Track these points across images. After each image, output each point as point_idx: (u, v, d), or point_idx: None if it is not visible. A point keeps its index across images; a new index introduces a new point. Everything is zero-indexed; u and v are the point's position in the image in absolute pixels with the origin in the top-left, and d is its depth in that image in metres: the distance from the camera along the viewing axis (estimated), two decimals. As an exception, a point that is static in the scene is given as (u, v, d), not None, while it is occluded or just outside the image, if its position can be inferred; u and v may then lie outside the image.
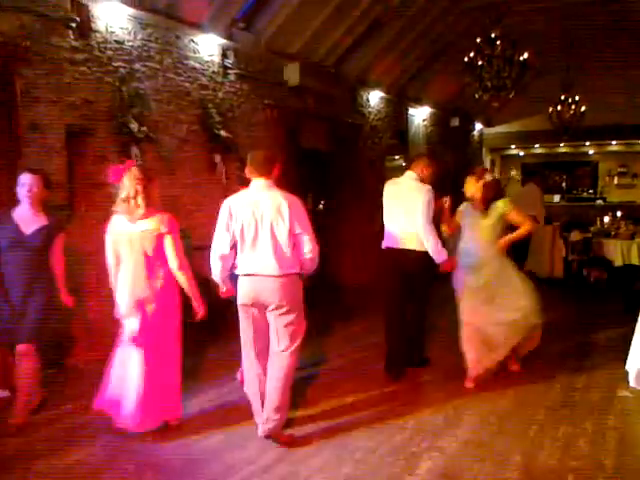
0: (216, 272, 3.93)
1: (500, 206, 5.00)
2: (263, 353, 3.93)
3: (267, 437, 3.89)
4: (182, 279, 4.02)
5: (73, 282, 5.52)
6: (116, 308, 4.07)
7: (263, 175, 3.85)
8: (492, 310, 4.86)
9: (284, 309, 3.80)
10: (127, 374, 3.98)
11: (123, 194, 3.91)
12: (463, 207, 5.27)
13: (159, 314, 3.98)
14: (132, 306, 3.96)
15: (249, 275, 3.82)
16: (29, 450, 3.81)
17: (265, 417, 3.87)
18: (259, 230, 3.78)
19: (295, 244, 3.81)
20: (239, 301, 3.91)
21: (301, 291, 3.93)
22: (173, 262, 3.97)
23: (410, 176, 5.22)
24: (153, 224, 3.93)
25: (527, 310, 4.91)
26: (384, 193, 5.30)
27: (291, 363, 3.89)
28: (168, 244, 3.95)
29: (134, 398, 3.92)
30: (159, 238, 3.93)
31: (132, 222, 3.93)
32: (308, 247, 3.81)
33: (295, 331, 3.88)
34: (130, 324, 3.99)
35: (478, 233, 5.03)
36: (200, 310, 4.11)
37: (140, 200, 3.90)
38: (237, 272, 3.90)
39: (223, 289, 4.03)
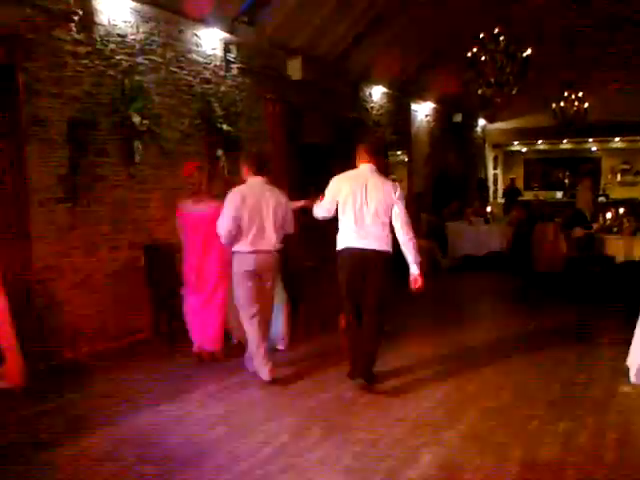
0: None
1: None
2: (257, 307, 4.84)
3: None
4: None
5: (79, 277, 5.57)
6: (186, 270, 5.37)
7: (261, 174, 4.88)
8: None
9: (276, 274, 5.02)
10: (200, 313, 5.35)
11: (194, 183, 5.30)
12: None
13: (215, 271, 5.30)
14: (197, 267, 5.28)
15: (255, 252, 4.77)
16: (31, 441, 3.83)
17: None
18: (264, 217, 4.77)
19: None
20: (243, 269, 4.78)
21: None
22: None
23: (370, 169, 4.74)
24: (214, 205, 5.08)
25: None
26: (338, 186, 4.74)
27: (287, 305, 5.47)
28: None
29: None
30: (216, 215, 4.95)
31: (197, 205, 5.21)
32: (291, 227, 5.01)
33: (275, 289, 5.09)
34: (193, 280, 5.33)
35: None
36: None
37: (204, 188, 5.31)
38: (243, 249, 4.78)
39: None
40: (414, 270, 4.66)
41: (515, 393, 4.68)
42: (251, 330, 4.84)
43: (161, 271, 6.03)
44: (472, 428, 4.03)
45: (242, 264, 4.80)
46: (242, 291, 4.83)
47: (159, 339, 6.10)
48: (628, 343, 4.87)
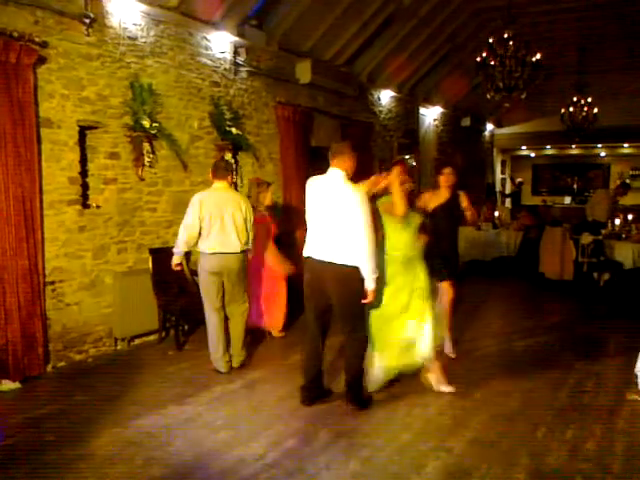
0: (182, 244, 5.05)
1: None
2: (220, 307, 5.20)
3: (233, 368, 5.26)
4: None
5: (88, 279, 5.60)
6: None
7: (224, 180, 5.16)
8: None
9: (240, 274, 5.18)
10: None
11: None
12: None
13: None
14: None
15: (218, 253, 5.02)
16: (37, 442, 3.85)
17: (233, 354, 5.28)
18: (225, 220, 5.01)
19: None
20: (207, 270, 5.06)
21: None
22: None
23: (334, 174, 4.31)
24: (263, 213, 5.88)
25: None
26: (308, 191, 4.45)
27: (245, 310, 5.34)
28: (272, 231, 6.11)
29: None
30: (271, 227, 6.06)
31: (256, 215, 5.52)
32: (252, 234, 5.27)
33: (244, 289, 5.31)
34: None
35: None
36: None
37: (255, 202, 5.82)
38: (205, 250, 5.03)
39: (177, 261, 5.15)
40: (369, 285, 4.20)
41: (522, 400, 4.66)
42: (213, 320, 5.15)
43: (168, 274, 6.04)
44: (479, 435, 4.02)
45: (208, 262, 5.05)
46: (205, 287, 5.12)
47: (166, 342, 6.11)
48: (636, 350, 4.84)
